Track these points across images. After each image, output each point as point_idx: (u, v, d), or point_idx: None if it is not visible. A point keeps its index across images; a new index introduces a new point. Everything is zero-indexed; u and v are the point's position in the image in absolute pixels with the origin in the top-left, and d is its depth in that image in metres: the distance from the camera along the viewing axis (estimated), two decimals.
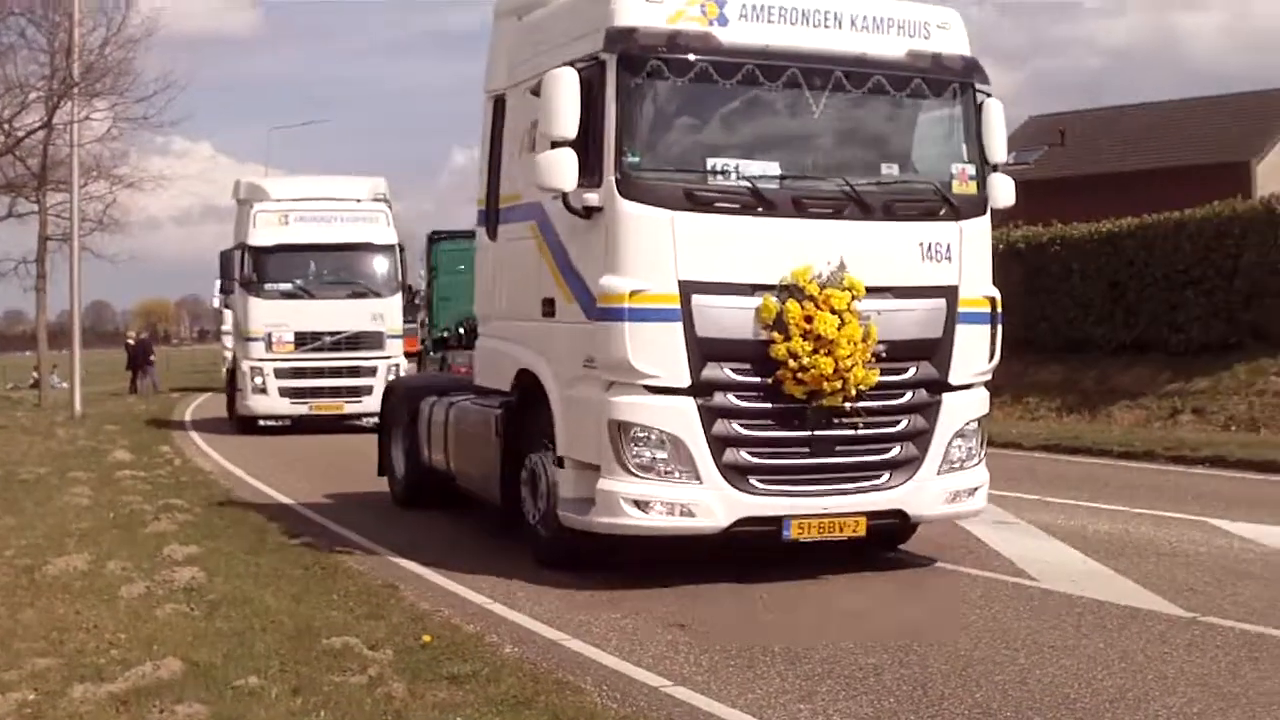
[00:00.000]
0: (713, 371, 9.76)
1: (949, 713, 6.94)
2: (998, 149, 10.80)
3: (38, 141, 31.73)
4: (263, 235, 25.48)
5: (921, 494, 10.31)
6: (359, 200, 26.53)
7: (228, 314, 36.88)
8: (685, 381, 9.69)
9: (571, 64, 9.89)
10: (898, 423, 10.26)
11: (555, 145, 9.72)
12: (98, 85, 31.45)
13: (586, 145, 9.72)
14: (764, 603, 9.51)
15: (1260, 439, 20.03)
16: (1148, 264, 24.36)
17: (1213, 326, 23.43)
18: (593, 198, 9.77)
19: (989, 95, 10.73)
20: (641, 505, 9.68)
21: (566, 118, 9.67)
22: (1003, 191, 10.83)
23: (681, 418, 9.70)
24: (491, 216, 12.10)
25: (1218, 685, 7.33)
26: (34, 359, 41.17)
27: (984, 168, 10.71)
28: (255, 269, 25.47)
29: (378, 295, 25.90)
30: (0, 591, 9.96)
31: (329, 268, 26.14)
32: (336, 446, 22.23)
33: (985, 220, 10.69)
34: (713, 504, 9.73)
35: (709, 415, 9.74)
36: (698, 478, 9.72)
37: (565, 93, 9.68)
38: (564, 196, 9.85)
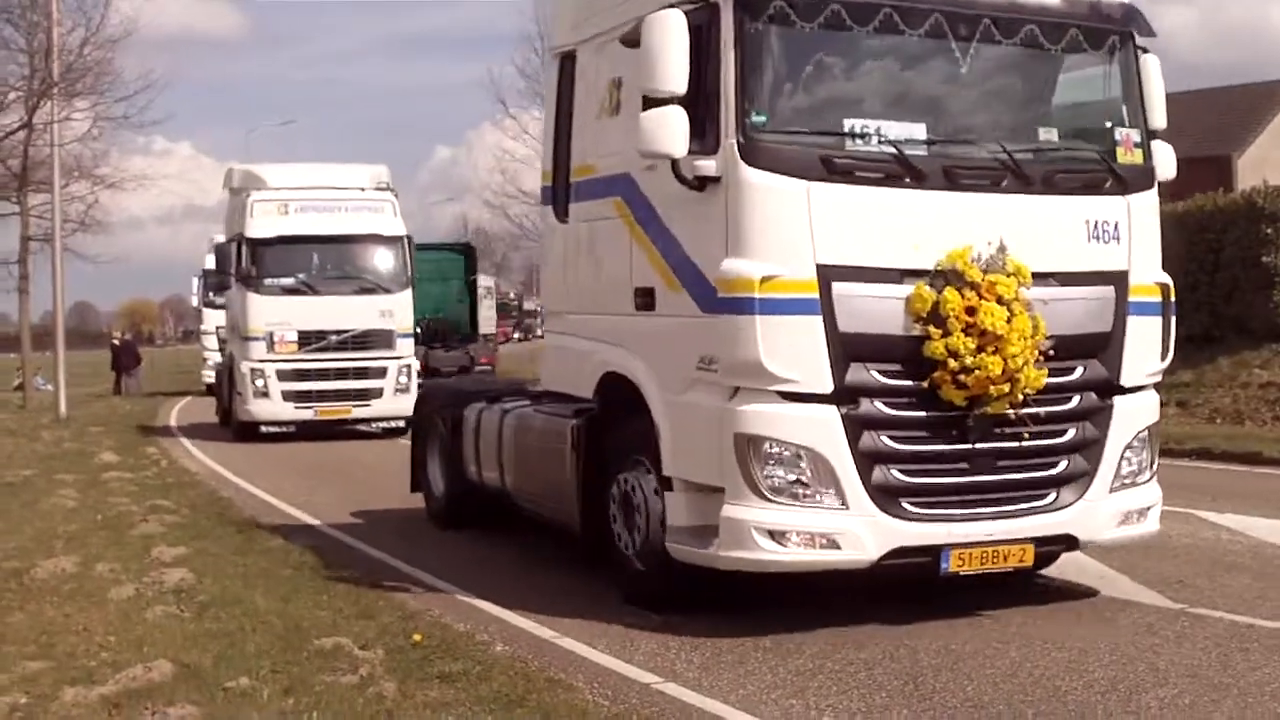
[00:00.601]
0: (858, 374, 8.31)
1: (941, 706, 6.96)
2: (1159, 112, 9.49)
3: (18, 142, 31.59)
4: (261, 226, 23.38)
5: (1093, 515, 8.98)
6: (362, 189, 24.69)
7: (208, 313, 36.02)
8: (827, 386, 8.24)
9: (675, 6, 8.45)
10: (1065, 432, 8.89)
11: (658, 103, 8.26)
12: (78, 85, 31.30)
13: (697, 103, 8.29)
14: (755, 598, 9.40)
15: (1245, 431, 20.13)
16: None
17: (1195, 319, 23.50)
18: (708, 165, 8.32)
19: (1146, 50, 9.45)
20: (777, 536, 8.18)
21: (675, 69, 8.19)
22: (1166, 161, 9.55)
23: (823, 430, 8.24)
24: (560, 194, 10.44)
25: (1209, 676, 7.37)
26: (17, 361, 41.00)
27: (1146, 133, 9.43)
28: (254, 263, 23.32)
29: (386, 291, 23.95)
30: None
31: (333, 261, 24.19)
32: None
33: (1153, 194, 9.42)
34: (861, 533, 8.26)
35: (854, 426, 8.29)
36: (843, 502, 8.24)
37: (673, 39, 8.21)
38: (674, 165, 8.36)
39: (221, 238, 37.59)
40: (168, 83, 52.16)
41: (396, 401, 23.26)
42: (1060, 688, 7.19)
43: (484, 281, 73.59)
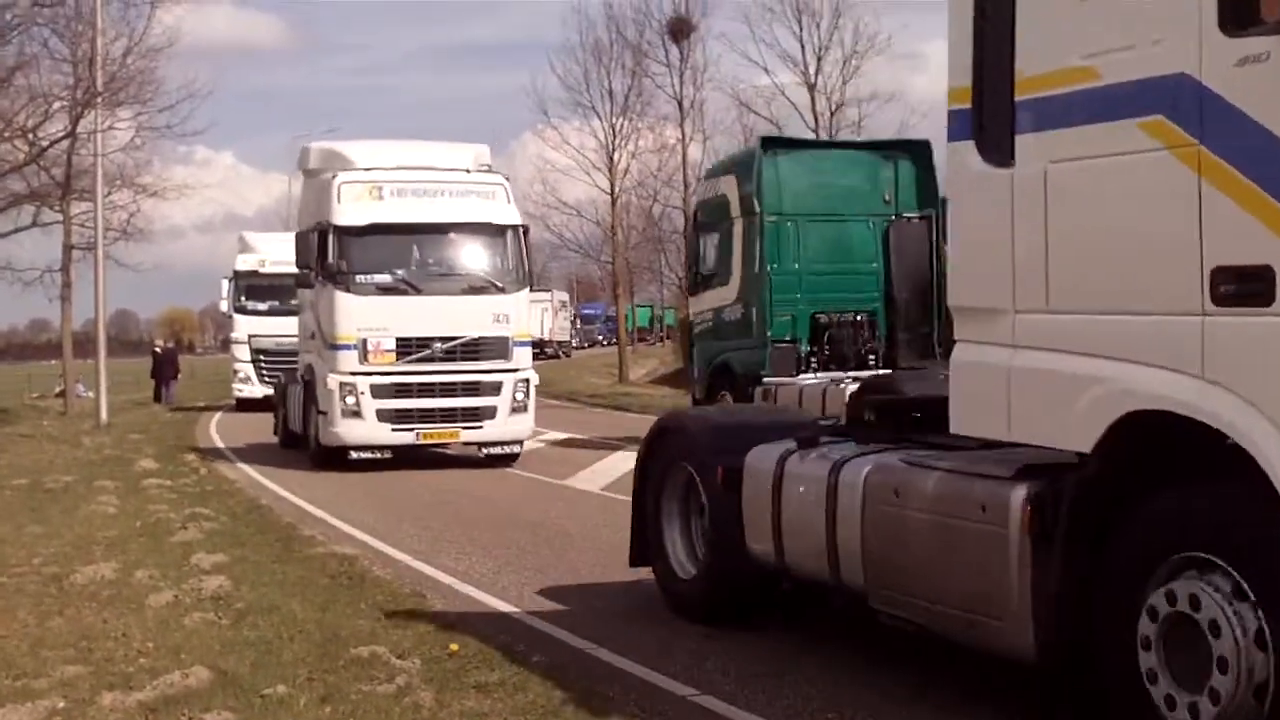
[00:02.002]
0: None
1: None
2: None
3: (61, 151, 31.86)
4: (351, 212, 19.53)
5: None
6: (467, 170, 20.96)
7: (239, 320, 34.70)
8: None
9: None
10: None
11: None
12: (121, 95, 31.63)
13: None
14: (792, 612, 9.28)
15: None
16: None
17: None
18: None
19: None
20: None
21: None
22: None
23: None
24: (992, 122, 6.65)
25: None
26: (59, 368, 41.34)
27: None
28: (342, 255, 19.47)
29: (501, 290, 20.02)
30: (29, 599, 10.01)
31: (438, 255, 20.36)
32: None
33: None
34: None
35: None
36: None
37: None
38: None
39: (252, 237, 37.52)
40: (210, 92, 52.29)
41: (512, 423, 20.16)
42: None
43: (559, 295, 77.57)
